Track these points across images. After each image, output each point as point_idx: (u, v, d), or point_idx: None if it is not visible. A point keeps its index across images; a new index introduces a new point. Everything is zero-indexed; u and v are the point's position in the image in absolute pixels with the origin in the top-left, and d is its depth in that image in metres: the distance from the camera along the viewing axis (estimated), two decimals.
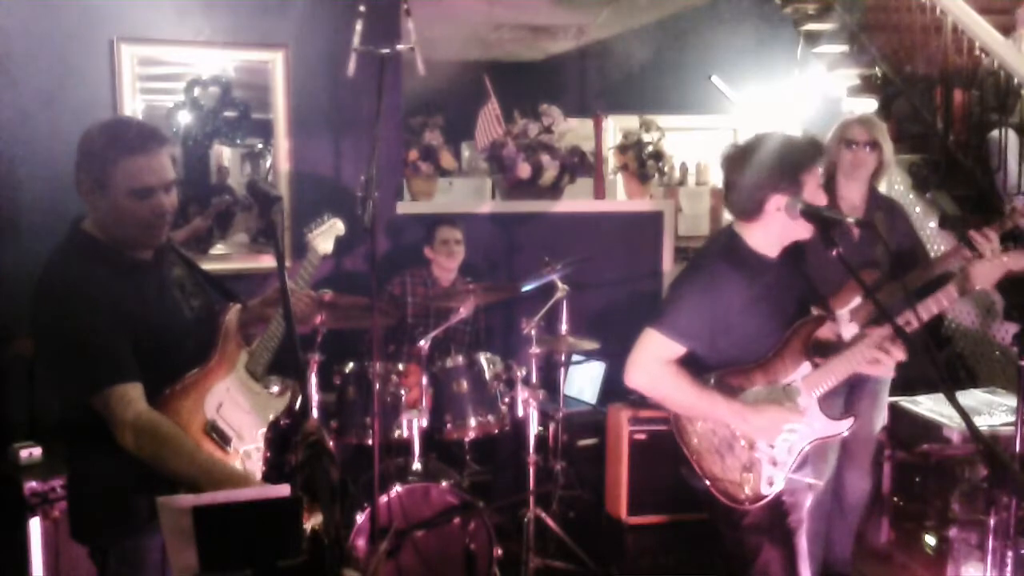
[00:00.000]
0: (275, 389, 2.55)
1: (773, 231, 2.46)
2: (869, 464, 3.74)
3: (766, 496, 2.46)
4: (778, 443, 2.47)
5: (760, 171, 2.41)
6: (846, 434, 2.60)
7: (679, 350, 2.43)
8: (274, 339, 2.50)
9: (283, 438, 2.65)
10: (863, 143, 3.41)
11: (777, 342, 2.48)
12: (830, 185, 3.47)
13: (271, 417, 2.47)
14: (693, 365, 2.46)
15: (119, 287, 2.18)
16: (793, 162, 2.40)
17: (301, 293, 2.60)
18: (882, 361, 2.42)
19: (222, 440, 2.29)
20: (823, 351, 2.55)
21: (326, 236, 2.90)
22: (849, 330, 2.70)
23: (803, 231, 2.44)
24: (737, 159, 2.47)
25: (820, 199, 2.43)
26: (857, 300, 3.11)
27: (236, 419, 2.35)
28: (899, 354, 2.39)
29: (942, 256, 3.34)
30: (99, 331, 2.12)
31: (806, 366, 2.49)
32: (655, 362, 2.43)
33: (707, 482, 2.49)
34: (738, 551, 2.54)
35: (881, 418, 3.71)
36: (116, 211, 2.17)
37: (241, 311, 2.48)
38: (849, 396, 3.49)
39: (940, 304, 2.67)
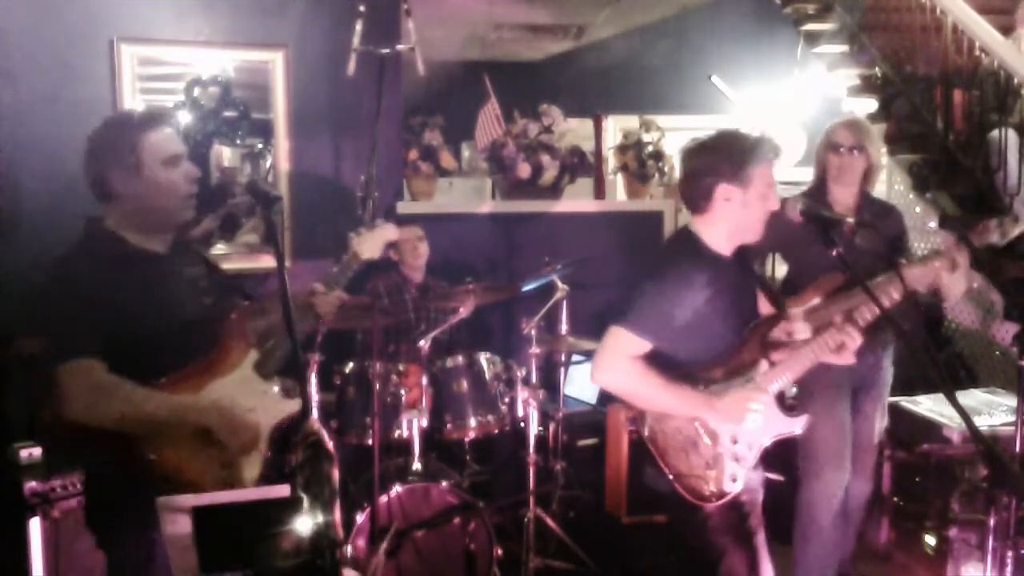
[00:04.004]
0: (287, 388, 2.53)
1: (723, 225, 2.51)
2: (872, 467, 3.74)
3: (729, 492, 2.50)
4: (741, 436, 2.51)
5: (708, 160, 2.48)
6: (798, 432, 2.62)
7: (645, 346, 2.46)
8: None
9: (283, 438, 2.64)
10: (849, 147, 3.42)
11: (737, 340, 2.53)
12: (822, 189, 3.50)
13: (277, 418, 2.44)
14: (657, 363, 2.49)
15: (123, 277, 2.20)
16: (741, 154, 2.46)
17: (332, 296, 2.57)
18: (841, 349, 2.50)
19: (210, 439, 2.25)
20: (778, 350, 2.59)
21: (373, 240, 2.75)
22: (801, 329, 2.70)
23: (753, 232, 2.50)
24: (691, 151, 2.56)
25: (770, 201, 2.47)
26: (815, 301, 3.10)
27: None
28: (855, 340, 2.49)
29: (923, 259, 3.33)
30: (76, 305, 2.13)
31: (764, 364, 2.54)
32: (623, 359, 2.45)
33: (671, 478, 2.52)
34: (702, 555, 2.58)
35: (884, 421, 3.71)
36: (154, 187, 2.24)
37: (254, 311, 2.47)
38: (854, 399, 3.50)
39: (897, 289, 2.80)
